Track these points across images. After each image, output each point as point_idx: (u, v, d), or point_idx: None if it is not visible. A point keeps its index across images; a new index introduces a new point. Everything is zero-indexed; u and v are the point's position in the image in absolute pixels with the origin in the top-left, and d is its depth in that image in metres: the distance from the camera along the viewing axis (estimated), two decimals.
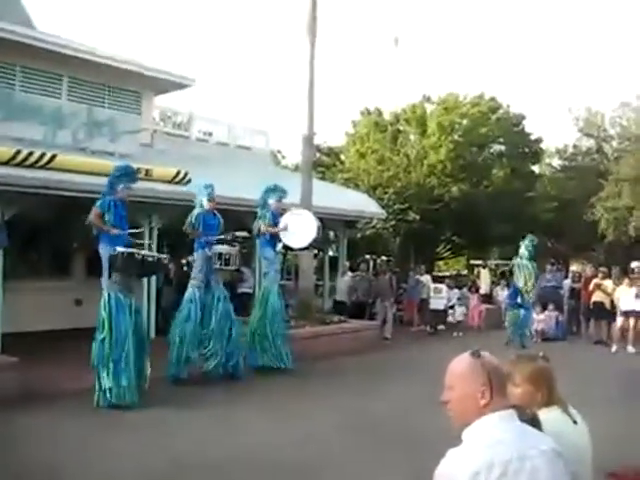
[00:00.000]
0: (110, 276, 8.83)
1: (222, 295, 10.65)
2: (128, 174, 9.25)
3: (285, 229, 11.52)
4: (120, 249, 8.73)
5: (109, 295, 8.75)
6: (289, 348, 11.46)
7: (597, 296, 16.29)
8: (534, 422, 2.45)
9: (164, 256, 9.92)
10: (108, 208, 8.83)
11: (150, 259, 9.13)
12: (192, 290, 10.44)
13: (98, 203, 8.87)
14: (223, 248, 10.50)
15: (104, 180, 9.68)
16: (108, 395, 8.49)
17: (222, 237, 10.59)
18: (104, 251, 8.85)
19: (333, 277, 18.54)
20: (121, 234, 8.88)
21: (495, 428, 2.22)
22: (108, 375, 8.51)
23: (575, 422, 2.88)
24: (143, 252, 9.15)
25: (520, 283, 15.45)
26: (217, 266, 10.46)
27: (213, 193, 10.49)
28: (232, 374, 10.50)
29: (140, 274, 9.81)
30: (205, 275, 10.47)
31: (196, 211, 10.38)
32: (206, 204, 10.42)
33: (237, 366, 10.62)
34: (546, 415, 2.71)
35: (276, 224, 11.54)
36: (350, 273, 17.70)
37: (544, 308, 17.15)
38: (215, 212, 10.61)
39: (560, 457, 2.26)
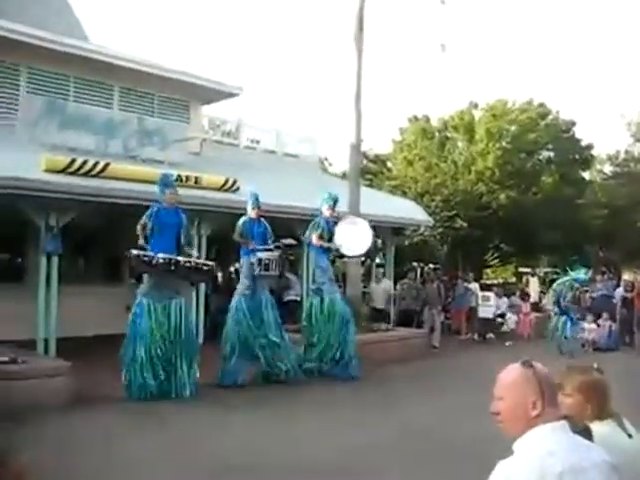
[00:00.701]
0: (136, 280, 9.69)
1: (269, 302, 10.73)
2: (163, 182, 9.71)
3: (337, 249, 11.66)
4: (134, 252, 9.16)
5: (136, 299, 9.48)
6: (357, 356, 11.50)
7: None
8: (586, 434, 2.41)
9: (182, 259, 9.51)
10: (150, 216, 9.36)
11: (162, 261, 9.18)
12: (238, 297, 10.58)
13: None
14: (262, 254, 10.54)
15: (154, 188, 9.99)
16: (128, 389, 9.17)
17: (268, 246, 10.65)
18: None
19: None
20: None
21: (547, 439, 2.18)
22: (127, 372, 9.18)
23: (630, 436, 2.81)
24: (159, 255, 9.21)
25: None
26: (256, 272, 10.50)
27: (257, 201, 10.65)
28: (284, 381, 10.55)
29: (183, 277, 9.78)
30: (251, 282, 10.60)
31: (242, 219, 10.55)
32: (250, 212, 10.57)
33: (289, 373, 10.67)
34: (599, 428, 2.66)
35: (330, 232, 11.60)
36: (385, 279, 17.40)
37: (597, 317, 16.81)
38: (261, 219, 10.74)
39: (614, 471, 2.20)
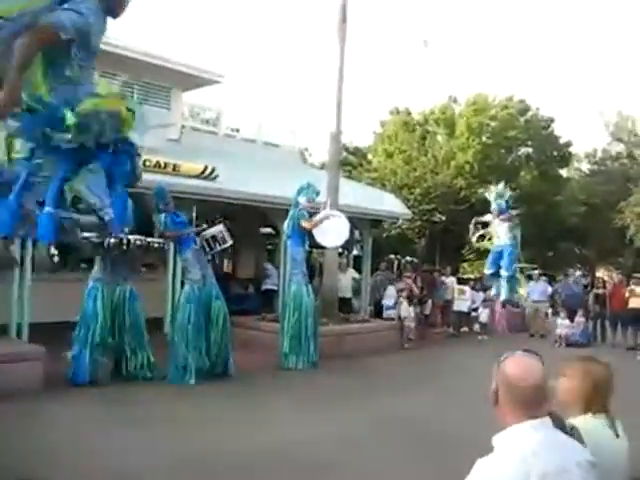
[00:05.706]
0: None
1: (217, 292, 10.33)
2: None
3: (327, 217, 11.56)
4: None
5: (88, 284, 9.60)
6: (317, 348, 11.45)
7: (634, 302, 16.01)
8: (570, 430, 2.39)
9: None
10: None
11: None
12: (188, 288, 10.12)
13: None
14: (210, 231, 10.42)
15: None
16: (72, 371, 9.22)
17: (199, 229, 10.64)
18: None
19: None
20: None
21: (529, 438, 2.13)
22: (74, 353, 9.29)
23: (617, 436, 2.76)
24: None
25: None
26: (217, 249, 10.49)
27: (166, 195, 10.14)
28: (225, 372, 10.23)
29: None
30: (200, 270, 10.18)
31: (161, 217, 10.04)
32: (165, 207, 10.10)
33: (229, 364, 10.33)
34: (588, 422, 2.64)
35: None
36: (351, 269, 17.48)
37: (571, 313, 16.93)
38: (175, 212, 10.23)
39: (594, 468, 2.17)
